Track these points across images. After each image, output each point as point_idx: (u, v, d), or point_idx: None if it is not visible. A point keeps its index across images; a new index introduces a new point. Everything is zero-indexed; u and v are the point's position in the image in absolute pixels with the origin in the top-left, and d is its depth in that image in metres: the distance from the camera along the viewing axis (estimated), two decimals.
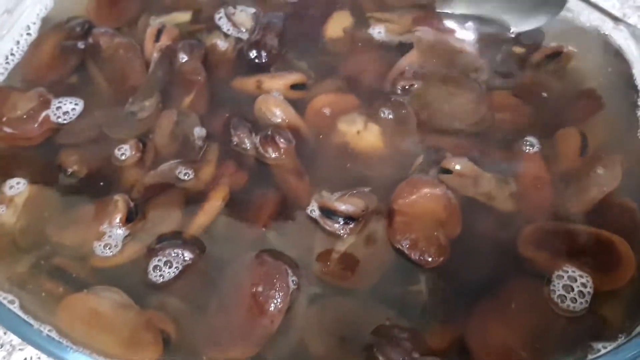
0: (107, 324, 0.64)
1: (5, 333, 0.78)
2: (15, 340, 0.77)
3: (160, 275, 0.67)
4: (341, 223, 0.68)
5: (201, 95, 0.82)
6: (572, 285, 0.65)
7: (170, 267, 0.67)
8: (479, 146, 0.76)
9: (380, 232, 0.70)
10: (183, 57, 0.83)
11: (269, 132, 0.75)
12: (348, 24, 0.89)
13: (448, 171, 0.73)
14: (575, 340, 0.62)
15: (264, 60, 0.84)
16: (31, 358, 0.76)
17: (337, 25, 0.89)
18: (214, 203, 0.72)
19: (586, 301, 0.64)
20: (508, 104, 0.81)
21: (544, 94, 0.82)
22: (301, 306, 0.65)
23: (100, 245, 0.69)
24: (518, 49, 0.87)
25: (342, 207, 0.68)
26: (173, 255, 0.67)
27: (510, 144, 0.77)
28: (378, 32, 0.89)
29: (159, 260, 0.67)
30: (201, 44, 0.86)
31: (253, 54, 0.84)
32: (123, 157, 0.75)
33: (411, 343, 0.62)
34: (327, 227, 0.69)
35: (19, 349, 0.77)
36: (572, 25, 0.90)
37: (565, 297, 0.64)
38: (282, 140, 0.74)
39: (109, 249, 0.68)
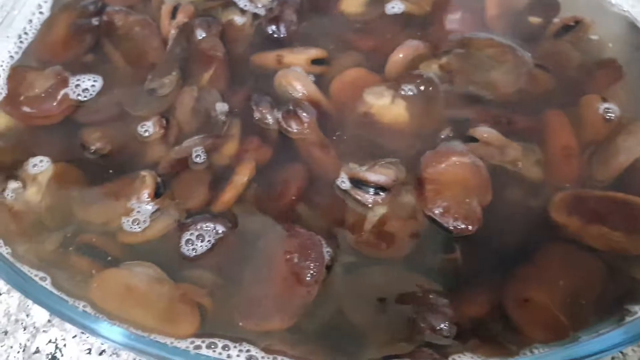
0: (142, 299, 0.63)
1: (28, 315, 0.77)
2: (39, 322, 0.77)
3: (193, 249, 0.66)
4: (372, 193, 0.68)
5: (221, 71, 0.81)
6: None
7: (202, 241, 0.66)
8: (506, 115, 0.75)
9: (411, 202, 0.69)
10: (201, 34, 0.83)
11: (291, 106, 0.74)
12: None
13: (474, 140, 0.72)
14: (612, 303, 0.62)
15: (282, 35, 0.84)
16: (55, 339, 0.76)
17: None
18: (241, 177, 0.71)
19: None
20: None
21: (564, 63, 0.80)
22: (337, 275, 0.65)
23: (128, 221, 0.68)
24: (535, 19, 0.86)
25: (373, 177, 0.68)
26: (205, 228, 0.66)
27: (535, 113, 0.75)
28: (392, 6, 0.87)
29: (191, 234, 0.66)
30: (218, 20, 0.85)
31: (272, 29, 0.84)
32: (146, 134, 0.75)
33: (451, 309, 0.61)
34: (358, 198, 0.68)
35: (43, 331, 0.77)
36: None
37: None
38: (304, 113, 0.73)
39: (138, 224, 0.68)
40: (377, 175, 0.68)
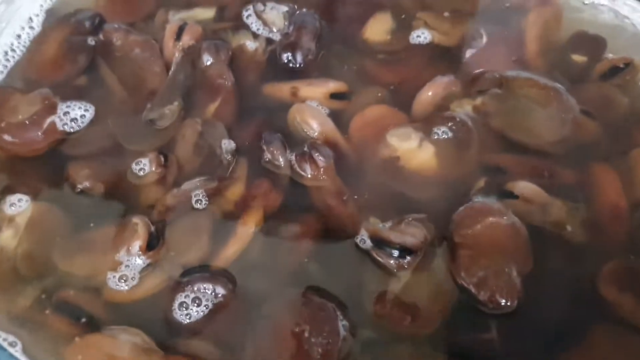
0: None
1: None
2: None
3: (187, 315, 0.58)
4: (396, 256, 0.59)
5: (228, 102, 0.72)
6: None
7: (199, 305, 0.58)
8: (548, 167, 0.67)
9: (440, 267, 0.61)
10: (208, 59, 0.74)
11: (306, 148, 0.65)
12: (389, 26, 0.79)
13: (512, 195, 0.64)
14: None
15: (299, 65, 0.75)
16: None
17: (379, 26, 0.79)
18: (247, 228, 0.63)
19: None
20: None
21: (611, 110, 0.71)
22: (354, 354, 0.56)
23: (114, 277, 0.60)
24: (578, 58, 0.77)
25: (399, 238, 0.59)
26: (202, 290, 0.58)
27: (579, 166, 0.66)
28: (418, 35, 0.78)
29: (185, 297, 0.58)
30: (227, 44, 0.76)
31: (287, 57, 0.75)
32: (142, 173, 0.66)
33: None
34: (380, 261, 0.60)
35: None
36: (634, 35, 0.80)
37: None
38: (320, 157, 0.65)
39: (125, 281, 0.60)
40: (403, 235, 0.58)
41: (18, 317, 0.59)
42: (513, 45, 0.79)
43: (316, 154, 0.65)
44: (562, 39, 0.81)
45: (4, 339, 0.56)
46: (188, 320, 0.58)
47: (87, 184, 0.66)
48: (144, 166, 0.67)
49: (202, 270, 0.60)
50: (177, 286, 0.59)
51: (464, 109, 0.72)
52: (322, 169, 0.65)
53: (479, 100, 0.71)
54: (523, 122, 0.70)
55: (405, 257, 0.60)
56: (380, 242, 0.61)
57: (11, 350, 0.55)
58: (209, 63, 0.74)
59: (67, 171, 0.67)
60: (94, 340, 0.56)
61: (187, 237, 0.63)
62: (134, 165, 0.67)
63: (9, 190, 0.66)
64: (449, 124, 0.68)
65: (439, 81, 0.73)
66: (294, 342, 0.55)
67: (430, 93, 0.71)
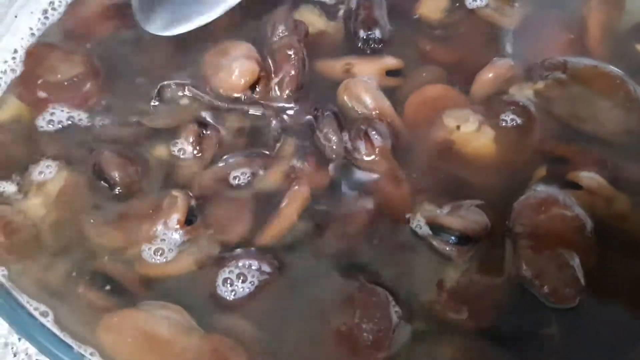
0: (163, 351, 0.52)
1: (20, 339, 0.66)
2: (31, 348, 0.66)
3: (232, 291, 0.54)
4: (455, 243, 0.55)
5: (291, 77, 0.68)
6: None
7: (244, 282, 0.55)
8: (612, 159, 0.63)
9: (499, 258, 0.57)
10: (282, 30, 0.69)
11: (362, 126, 0.61)
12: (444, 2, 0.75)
13: (575, 186, 0.61)
14: None
15: (379, 43, 0.71)
16: None
17: (433, 2, 0.74)
18: (292, 207, 0.59)
19: None
20: None
21: None
22: (404, 345, 0.53)
23: (150, 249, 0.57)
24: None
25: (459, 224, 0.55)
26: (248, 266, 0.54)
27: None
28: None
29: (230, 272, 0.54)
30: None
31: (367, 35, 0.71)
32: (178, 148, 0.62)
33: None
34: (439, 248, 0.56)
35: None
36: None
37: None
38: (377, 136, 0.61)
39: (161, 254, 0.56)
40: (464, 222, 0.55)
41: (50, 288, 0.56)
42: (575, 31, 0.74)
43: (372, 132, 0.62)
44: (624, 27, 0.76)
45: (36, 308, 0.52)
46: (233, 297, 0.55)
47: (120, 174, 0.61)
48: (181, 144, 0.63)
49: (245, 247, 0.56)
50: (222, 261, 0.56)
51: (524, 94, 0.67)
52: (377, 149, 0.61)
53: (541, 85, 0.67)
54: (586, 110, 0.67)
55: (465, 245, 0.56)
56: (438, 229, 0.57)
57: (43, 320, 0.51)
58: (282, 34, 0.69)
59: (99, 162, 0.62)
60: (129, 315, 0.53)
61: (228, 215, 0.60)
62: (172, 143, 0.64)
63: (40, 154, 0.63)
64: (511, 108, 0.65)
65: (500, 63, 0.69)
66: (342, 327, 0.53)
67: (491, 75, 0.68)
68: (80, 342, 0.51)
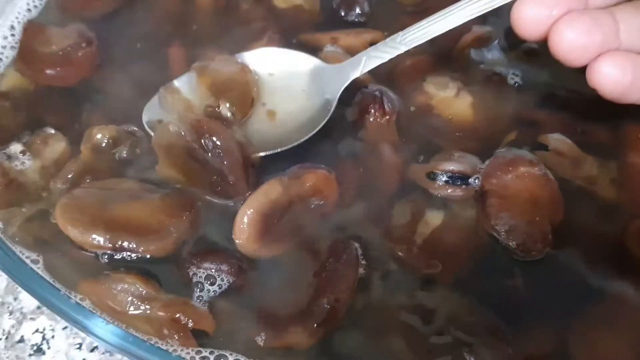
0: None
1: (15, 299, 0.69)
2: (27, 307, 0.69)
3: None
4: (458, 184, 0.61)
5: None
6: None
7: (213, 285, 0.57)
8: (581, 123, 0.65)
9: (469, 214, 0.60)
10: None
11: (377, 92, 0.64)
12: None
13: (544, 147, 0.63)
14: None
15: (359, 18, 0.76)
16: (44, 329, 0.67)
17: None
18: None
19: None
20: None
21: None
22: (374, 291, 0.56)
23: None
24: None
25: (456, 165, 0.61)
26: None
27: (613, 125, 0.66)
28: None
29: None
30: None
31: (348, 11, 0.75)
32: None
33: (509, 346, 0.52)
34: (440, 193, 0.61)
35: (31, 318, 0.69)
36: None
37: None
38: (389, 103, 0.64)
39: None
40: (460, 164, 0.61)
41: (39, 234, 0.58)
42: None
43: (385, 99, 0.64)
44: None
45: (27, 257, 0.55)
46: None
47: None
48: None
49: None
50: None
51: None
52: (387, 116, 0.64)
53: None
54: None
55: (467, 184, 0.60)
56: (435, 175, 0.61)
57: (33, 266, 0.54)
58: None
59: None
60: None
61: None
62: None
63: (39, 122, 0.66)
64: (487, 75, 0.68)
65: (477, 30, 0.71)
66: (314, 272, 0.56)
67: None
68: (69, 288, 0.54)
